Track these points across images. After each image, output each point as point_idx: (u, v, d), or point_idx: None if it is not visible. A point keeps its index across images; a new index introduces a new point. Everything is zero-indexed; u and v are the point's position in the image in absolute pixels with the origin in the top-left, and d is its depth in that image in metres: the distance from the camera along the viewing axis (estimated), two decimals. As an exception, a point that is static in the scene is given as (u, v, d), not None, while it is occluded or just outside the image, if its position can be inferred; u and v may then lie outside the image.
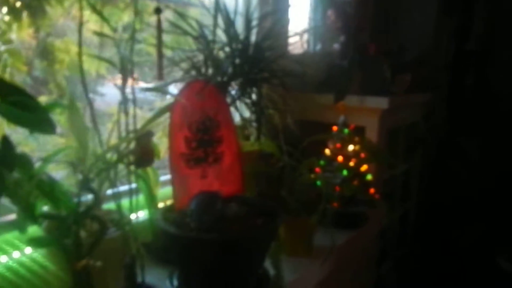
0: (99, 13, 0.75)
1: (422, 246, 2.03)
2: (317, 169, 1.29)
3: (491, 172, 1.42)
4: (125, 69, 0.69)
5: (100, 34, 0.78)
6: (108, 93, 1.19)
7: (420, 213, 2.08)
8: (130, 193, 0.73)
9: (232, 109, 1.06)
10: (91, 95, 1.16)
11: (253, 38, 1.10)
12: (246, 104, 1.10)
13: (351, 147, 1.27)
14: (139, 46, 1.21)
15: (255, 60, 1.07)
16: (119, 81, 0.73)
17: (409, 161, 1.97)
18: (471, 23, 2.57)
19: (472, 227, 1.53)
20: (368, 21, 2.04)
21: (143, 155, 0.68)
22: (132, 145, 0.69)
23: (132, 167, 0.71)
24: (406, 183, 1.99)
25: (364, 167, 1.28)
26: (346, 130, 1.30)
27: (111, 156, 0.69)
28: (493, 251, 1.35)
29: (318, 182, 1.24)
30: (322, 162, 1.32)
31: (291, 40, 1.65)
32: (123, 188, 0.80)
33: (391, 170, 1.73)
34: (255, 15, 1.23)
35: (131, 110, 0.75)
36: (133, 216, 0.78)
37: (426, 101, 1.97)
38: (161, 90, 0.88)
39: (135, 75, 0.93)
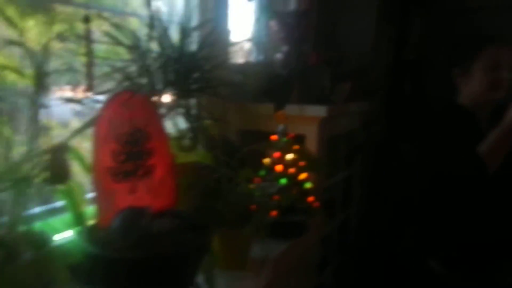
0: (13, 24, 0.71)
1: (362, 252, 2.09)
2: (257, 179, 1.29)
3: (429, 177, 1.48)
4: (41, 79, 0.65)
5: (14, 43, 0.73)
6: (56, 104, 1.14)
7: (361, 220, 2.14)
8: (48, 212, 0.69)
9: (168, 119, 1.04)
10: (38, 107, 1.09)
11: (191, 47, 1.08)
12: (181, 114, 1.08)
13: (289, 156, 1.28)
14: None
15: (190, 70, 1.06)
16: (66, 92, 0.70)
17: (349, 168, 2.03)
18: (409, 32, 2.70)
19: (409, 231, 1.59)
20: (311, 31, 2.09)
21: (57, 170, 0.64)
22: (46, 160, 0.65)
23: (48, 184, 0.67)
24: (347, 190, 2.04)
25: (303, 176, 1.29)
26: (285, 139, 1.31)
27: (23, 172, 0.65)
28: (427, 255, 1.40)
29: (257, 192, 1.23)
30: (262, 172, 1.32)
31: (232, 49, 1.65)
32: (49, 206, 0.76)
33: (331, 177, 1.77)
34: (194, 23, 1.21)
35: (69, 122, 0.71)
36: (55, 237, 0.74)
37: (366, 109, 2.03)
38: (79, 102, 0.84)
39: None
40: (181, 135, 1.12)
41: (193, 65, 1.06)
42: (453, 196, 1.33)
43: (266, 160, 1.31)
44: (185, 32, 1.04)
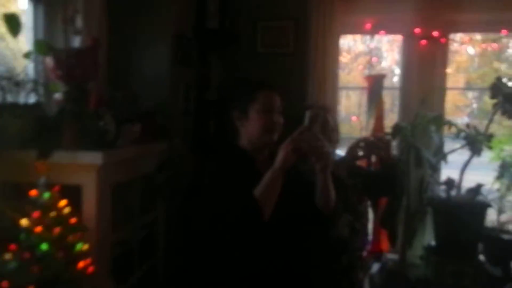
0: None
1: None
2: (12, 246, 1.02)
3: (214, 219, 1.43)
4: None
5: None
6: None
7: (169, 267, 2.00)
8: None
9: None
10: None
11: None
12: None
13: (53, 214, 1.06)
14: None
15: None
16: None
17: (149, 213, 1.87)
18: (209, 74, 2.77)
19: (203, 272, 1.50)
20: (96, 70, 1.91)
21: None
22: None
23: None
24: (150, 238, 1.88)
25: (74, 236, 1.08)
26: (47, 194, 1.09)
27: None
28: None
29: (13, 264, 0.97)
30: (21, 237, 1.06)
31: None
32: None
33: (124, 227, 1.58)
34: None
35: None
36: None
37: (164, 149, 1.93)
38: None
39: None
40: None
41: None
42: (234, 239, 1.30)
43: (24, 221, 1.06)
44: None
